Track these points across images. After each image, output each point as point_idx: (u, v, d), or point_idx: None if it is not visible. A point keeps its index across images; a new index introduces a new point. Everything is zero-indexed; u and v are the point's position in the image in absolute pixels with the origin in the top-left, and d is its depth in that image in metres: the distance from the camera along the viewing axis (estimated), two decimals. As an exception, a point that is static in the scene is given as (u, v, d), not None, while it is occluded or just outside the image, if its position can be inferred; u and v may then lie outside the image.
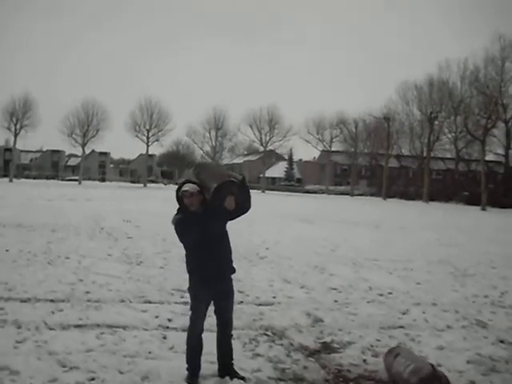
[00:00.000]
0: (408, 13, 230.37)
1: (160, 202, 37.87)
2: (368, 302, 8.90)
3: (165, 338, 6.37)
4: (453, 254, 15.82)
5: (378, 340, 6.71)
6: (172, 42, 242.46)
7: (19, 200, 32.51)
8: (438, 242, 19.26)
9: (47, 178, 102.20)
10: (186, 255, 5.17)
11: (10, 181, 79.87)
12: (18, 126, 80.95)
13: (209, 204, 4.97)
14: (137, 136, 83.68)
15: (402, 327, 7.41)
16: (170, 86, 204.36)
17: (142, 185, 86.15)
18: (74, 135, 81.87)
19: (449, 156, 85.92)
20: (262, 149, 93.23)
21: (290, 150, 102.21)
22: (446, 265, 13.60)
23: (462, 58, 66.52)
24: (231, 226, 5.18)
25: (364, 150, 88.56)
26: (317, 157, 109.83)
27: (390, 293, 9.68)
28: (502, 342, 6.86)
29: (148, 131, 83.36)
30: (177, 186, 5.21)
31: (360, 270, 12.10)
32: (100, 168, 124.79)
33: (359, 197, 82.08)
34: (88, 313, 7.33)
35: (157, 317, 7.28)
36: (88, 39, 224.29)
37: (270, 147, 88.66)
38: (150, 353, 5.77)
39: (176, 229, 5.03)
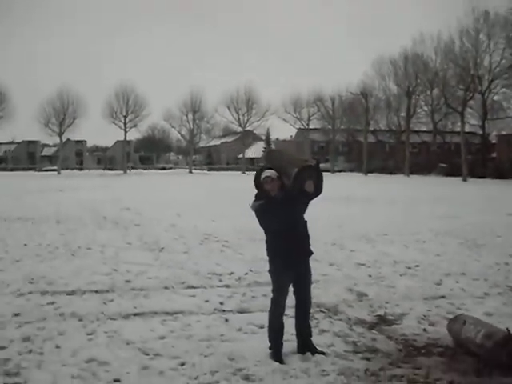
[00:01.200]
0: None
1: (147, 188, 37.89)
2: (400, 275, 9.20)
3: (227, 320, 6.55)
4: (455, 225, 16.20)
5: (429, 310, 7.00)
6: (144, 27, 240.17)
7: (7, 192, 32.26)
8: (434, 214, 19.66)
9: (24, 169, 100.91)
10: (268, 240, 5.34)
11: (-13, 174, 78.89)
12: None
13: (290, 188, 5.15)
14: (114, 123, 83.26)
15: (443, 297, 7.72)
16: (145, 71, 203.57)
17: (121, 171, 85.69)
18: (50, 124, 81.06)
19: (424, 129, 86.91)
20: (238, 130, 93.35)
21: (267, 129, 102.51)
22: (453, 236, 13.97)
23: (436, 30, 67.28)
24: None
25: (341, 126, 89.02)
26: (293, 135, 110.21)
27: (417, 265, 9.99)
28: (542, 305, 7.20)
29: (125, 117, 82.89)
30: (255, 173, 5.35)
31: (376, 245, 12.41)
32: (77, 157, 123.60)
33: (339, 173, 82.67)
34: (139, 301, 7.47)
35: (207, 301, 7.45)
36: (59, 27, 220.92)
37: (247, 127, 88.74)
38: (221, 335, 5.95)
39: (257, 214, 5.20)
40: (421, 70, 68.83)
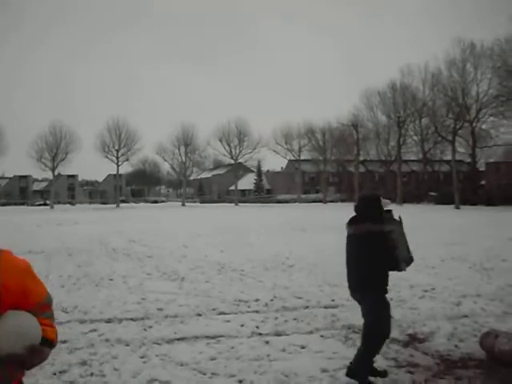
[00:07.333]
0: (369, 21, 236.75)
1: (145, 221, 38.10)
2: (420, 298, 9.62)
3: (267, 342, 6.92)
4: (460, 251, 16.64)
5: (455, 328, 7.41)
6: (135, 60, 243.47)
7: (8, 228, 32.29)
8: (436, 240, 20.12)
9: (16, 204, 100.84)
10: None
11: (-20, 210, 78.83)
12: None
13: None
14: (106, 157, 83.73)
15: (466, 316, 8.15)
16: (136, 106, 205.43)
17: (114, 205, 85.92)
18: (43, 159, 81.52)
19: (413, 158, 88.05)
20: (229, 162, 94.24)
21: (258, 161, 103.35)
22: (461, 261, 14.46)
23: (424, 62, 68.90)
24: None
25: (331, 157, 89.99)
26: (284, 167, 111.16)
27: (433, 288, 10.44)
28: (561, 322, 7.64)
29: (117, 151, 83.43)
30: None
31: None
32: (69, 191, 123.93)
33: (331, 203, 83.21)
34: (177, 327, 7.82)
35: (242, 325, 7.81)
36: (50, 61, 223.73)
37: (239, 160, 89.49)
38: (268, 355, 6.32)
39: None
40: (409, 101, 70.18)
